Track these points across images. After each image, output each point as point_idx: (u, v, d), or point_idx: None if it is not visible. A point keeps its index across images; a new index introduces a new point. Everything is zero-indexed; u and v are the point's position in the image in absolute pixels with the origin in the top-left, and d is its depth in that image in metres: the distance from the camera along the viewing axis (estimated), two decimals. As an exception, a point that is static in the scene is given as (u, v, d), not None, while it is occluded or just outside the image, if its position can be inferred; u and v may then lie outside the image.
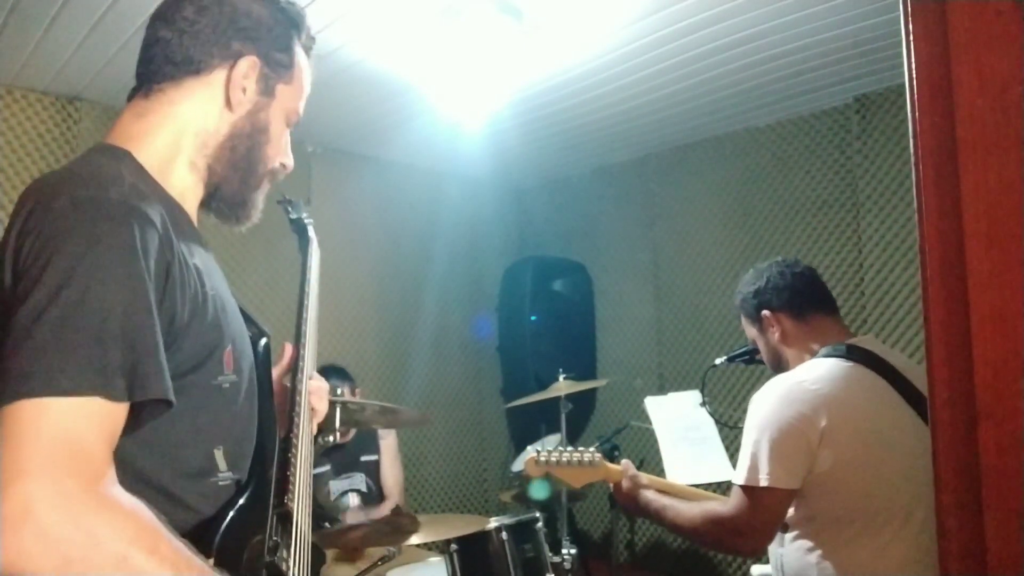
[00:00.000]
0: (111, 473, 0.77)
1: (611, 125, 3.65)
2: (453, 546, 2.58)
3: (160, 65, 1.02)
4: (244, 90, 1.05)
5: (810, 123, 3.48)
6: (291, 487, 1.04)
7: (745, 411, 1.73)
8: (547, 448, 1.94)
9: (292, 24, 1.10)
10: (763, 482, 1.59)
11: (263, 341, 1.09)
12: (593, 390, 4.21)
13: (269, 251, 3.42)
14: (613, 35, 2.71)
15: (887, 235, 3.16)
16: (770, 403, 1.66)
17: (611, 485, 1.96)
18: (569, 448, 1.95)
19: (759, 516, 1.62)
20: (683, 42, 2.76)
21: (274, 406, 1.12)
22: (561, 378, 3.15)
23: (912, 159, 0.73)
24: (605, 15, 2.56)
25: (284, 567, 0.97)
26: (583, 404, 4.11)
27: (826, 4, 2.50)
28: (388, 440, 3.33)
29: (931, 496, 1.57)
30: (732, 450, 2.52)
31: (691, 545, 3.76)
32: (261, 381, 1.08)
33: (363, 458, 3.23)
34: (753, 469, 1.62)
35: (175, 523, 0.81)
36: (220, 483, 0.96)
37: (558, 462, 1.91)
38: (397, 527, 2.44)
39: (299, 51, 1.12)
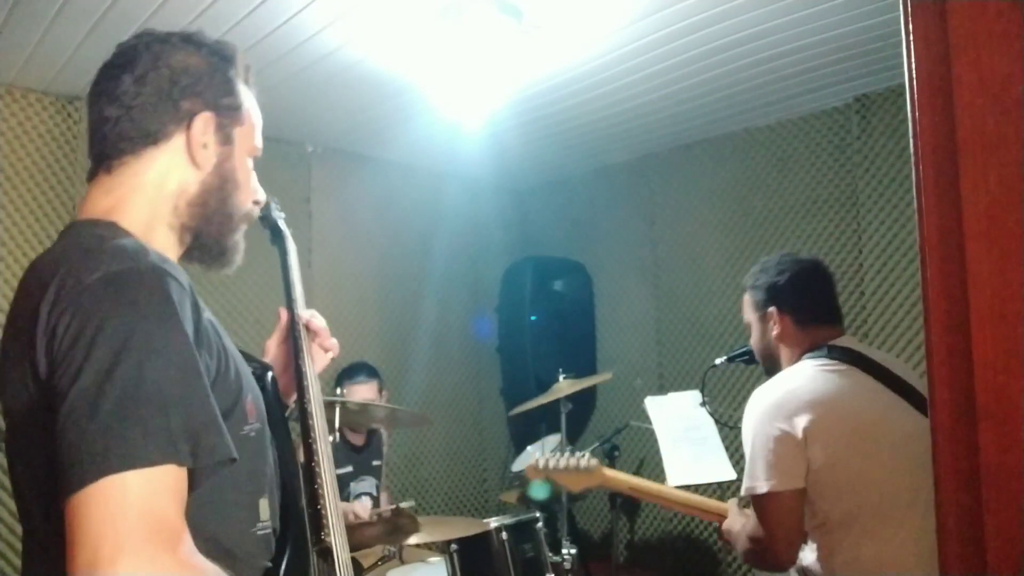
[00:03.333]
0: (188, 538, 0.79)
1: (611, 125, 3.65)
2: (453, 546, 2.58)
3: (115, 143, 1.00)
4: (205, 146, 1.03)
5: (810, 123, 3.48)
6: (325, 521, 1.07)
7: (745, 411, 1.75)
8: (547, 454, 1.99)
9: (228, 64, 1.07)
10: (761, 489, 1.62)
11: (269, 375, 1.11)
12: (593, 390, 4.21)
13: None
14: (613, 35, 2.71)
15: (887, 235, 3.16)
16: (757, 412, 1.70)
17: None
18: (567, 453, 1.98)
19: (768, 522, 1.63)
20: (683, 42, 2.76)
21: (290, 437, 1.13)
22: (561, 378, 3.15)
23: (912, 159, 0.73)
24: (605, 15, 2.56)
25: None
26: (583, 404, 4.11)
27: (826, 4, 2.50)
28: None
29: (931, 486, 1.54)
30: (732, 450, 2.52)
31: (691, 544, 3.76)
32: (274, 413, 1.08)
33: (374, 463, 3.25)
34: (752, 478, 1.64)
35: None
36: (259, 533, 0.98)
37: (556, 468, 1.96)
38: (397, 527, 2.44)
39: (241, 87, 1.09)
